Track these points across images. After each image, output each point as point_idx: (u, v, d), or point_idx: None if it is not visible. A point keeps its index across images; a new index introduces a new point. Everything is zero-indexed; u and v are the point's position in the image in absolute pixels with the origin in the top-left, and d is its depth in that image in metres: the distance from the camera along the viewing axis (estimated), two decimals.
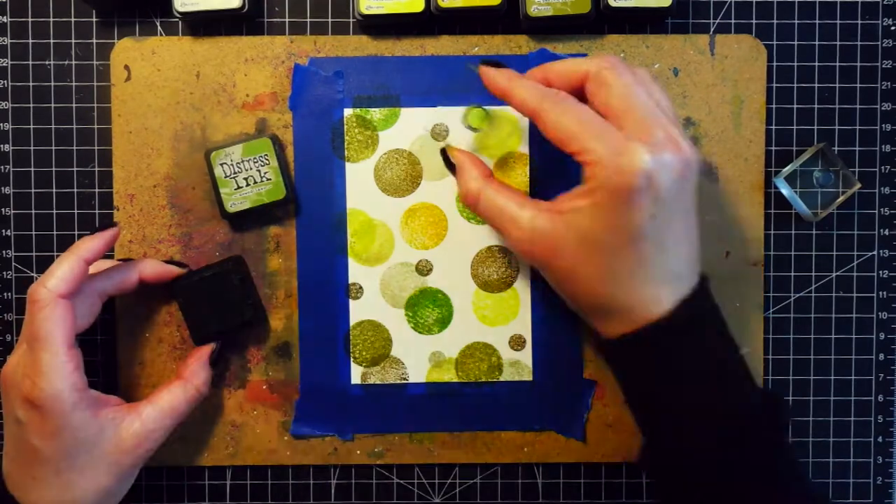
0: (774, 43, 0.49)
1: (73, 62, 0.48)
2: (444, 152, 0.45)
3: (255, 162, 0.46)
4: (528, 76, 0.41)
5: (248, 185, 0.46)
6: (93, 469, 0.41)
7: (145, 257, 0.47)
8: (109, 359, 0.49)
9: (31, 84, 0.48)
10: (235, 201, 0.46)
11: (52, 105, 0.48)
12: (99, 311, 0.44)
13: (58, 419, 0.40)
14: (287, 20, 0.48)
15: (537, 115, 0.38)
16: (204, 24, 0.48)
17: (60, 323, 0.40)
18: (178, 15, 0.45)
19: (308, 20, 0.48)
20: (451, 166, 0.45)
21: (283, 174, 0.46)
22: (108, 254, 0.48)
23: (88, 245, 0.42)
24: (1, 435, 0.49)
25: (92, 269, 0.44)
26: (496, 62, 0.42)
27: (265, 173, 0.46)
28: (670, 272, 0.38)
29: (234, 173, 0.46)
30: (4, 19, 0.48)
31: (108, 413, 0.42)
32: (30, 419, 0.40)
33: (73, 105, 0.48)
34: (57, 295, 0.40)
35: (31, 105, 0.48)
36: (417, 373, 0.49)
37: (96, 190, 0.48)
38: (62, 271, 0.40)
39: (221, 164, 0.46)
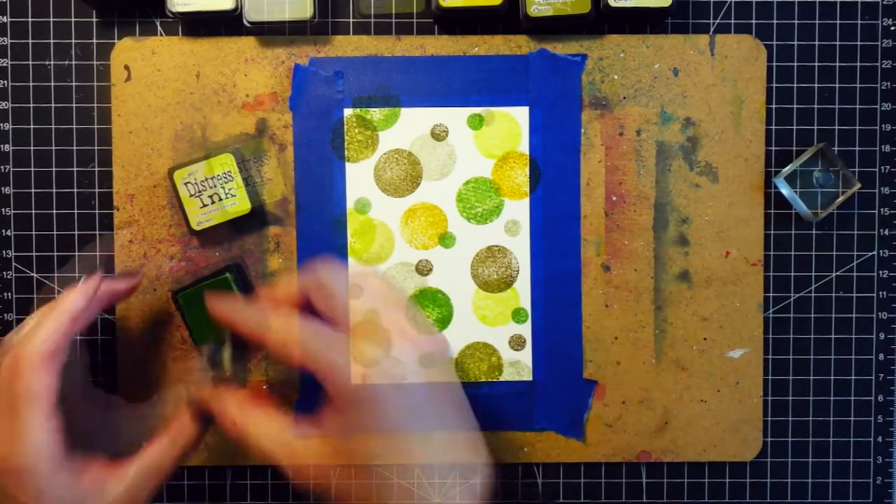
0: (774, 43, 0.49)
1: (73, 62, 0.48)
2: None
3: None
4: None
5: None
6: None
7: (63, 295, 0.42)
8: (109, 359, 0.49)
9: (31, 84, 0.48)
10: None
11: (52, 105, 0.48)
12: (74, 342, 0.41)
13: (36, 486, 0.38)
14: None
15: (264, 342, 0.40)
16: (204, 24, 0.48)
17: (45, 388, 0.38)
18: (171, 15, 0.45)
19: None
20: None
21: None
22: (110, 252, 0.48)
23: (72, 299, 0.40)
24: None
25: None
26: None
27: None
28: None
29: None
30: (4, 19, 0.48)
31: (91, 478, 0.40)
32: (7, 481, 0.38)
33: (73, 105, 0.48)
34: (43, 355, 0.38)
35: (31, 105, 0.48)
36: (417, 373, 0.49)
37: (96, 190, 0.48)
38: (46, 331, 0.38)
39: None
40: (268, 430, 0.41)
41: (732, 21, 0.49)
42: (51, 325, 0.39)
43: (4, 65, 0.48)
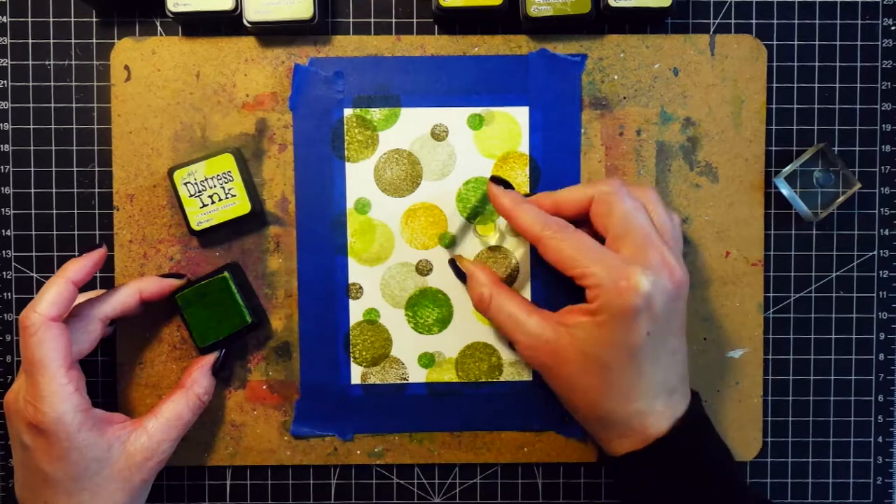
0: (774, 43, 0.49)
1: (73, 62, 0.48)
2: (452, 262, 0.47)
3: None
4: (536, 201, 0.43)
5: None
6: (104, 488, 0.41)
7: (143, 276, 0.47)
8: (109, 359, 0.49)
9: (31, 84, 0.48)
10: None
11: (52, 105, 0.48)
12: (101, 336, 0.43)
13: (64, 442, 0.40)
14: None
15: (539, 242, 0.41)
16: (204, 24, 0.48)
17: (54, 346, 0.40)
18: (170, 15, 0.45)
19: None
20: (461, 275, 0.46)
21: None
22: (109, 252, 0.48)
23: (75, 266, 0.42)
24: (8, 461, 0.49)
25: (89, 295, 0.45)
26: (504, 181, 0.44)
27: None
28: (664, 385, 0.41)
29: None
30: (4, 19, 0.48)
31: (114, 430, 0.42)
32: (36, 444, 0.40)
33: (73, 105, 0.48)
34: (47, 318, 0.40)
35: (31, 105, 0.48)
36: (417, 373, 0.49)
37: (96, 190, 0.48)
38: (50, 294, 0.40)
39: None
40: (515, 308, 0.43)
41: (732, 21, 0.49)
42: (53, 290, 0.41)
43: (4, 65, 0.48)
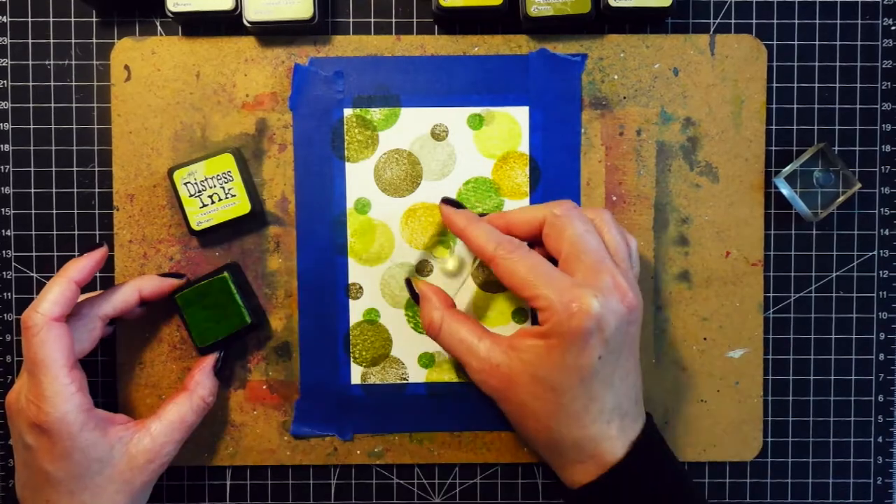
0: (774, 43, 0.49)
1: (73, 62, 0.48)
2: (408, 282, 0.46)
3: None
4: (489, 220, 0.44)
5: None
6: (106, 489, 0.41)
7: (143, 275, 0.46)
8: (109, 359, 0.49)
9: (31, 84, 0.48)
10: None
11: (52, 105, 0.48)
12: (101, 335, 0.43)
13: (66, 441, 0.40)
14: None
15: (492, 262, 0.41)
16: (204, 24, 0.48)
17: (57, 345, 0.40)
18: (170, 15, 0.45)
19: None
20: (415, 296, 0.46)
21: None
22: (109, 252, 0.48)
23: (77, 266, 0.42)
24: (8, 461, 0.49)
25: (89, 295, 0.45)
26: (455, 202, 0.45)
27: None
28: (617, 410, 0.40)
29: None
30: (4, 19, 0.48)
31: (117, 431, 0.42)
32: (38, 444, 0.40)
33: (73, 105, 0.48)
34: (50, 318, 0.40)
35: (31, 105, 0.48)
36: (417, 373, 0.49)
37: (96, 190, 0.48)
38: (52, 294, 0.40)
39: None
40: (467, 332, 0.43)
41: (732, 21, 0.49)
42: (55, 289, 0.41)
43: (4, 65, 0.48)
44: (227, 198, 0.46)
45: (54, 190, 0.48)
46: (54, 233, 0.49)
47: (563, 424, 0.40)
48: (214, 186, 0.46)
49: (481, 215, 0.44)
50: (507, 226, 0.43)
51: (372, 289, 0.48)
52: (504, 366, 0.41)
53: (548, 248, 0.42)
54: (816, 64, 0.49)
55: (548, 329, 0.39)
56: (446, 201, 0.45)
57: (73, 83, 0.48)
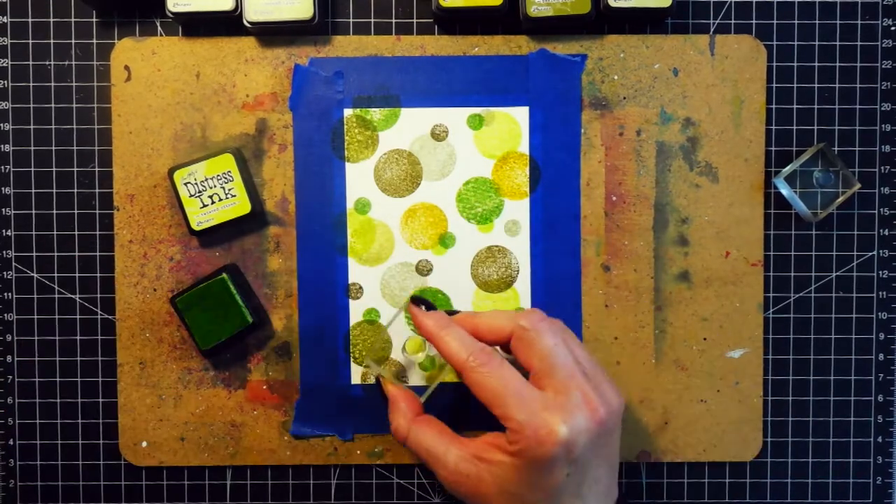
0: (774, 43, 0.49)
1: (73, 62, 0.48)
2: (377, 381, 0.46)
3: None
4: (458, 321, 0.43)
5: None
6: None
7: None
8: (109, 359, 0.49)
9: (31, 84, 0.48)
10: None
11: (52, 105, 0.48)
12: None
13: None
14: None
15: (463, 371, 0.41)
16: (204, 25, 0.48)
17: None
18: (170, 15, 0.45)
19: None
20: (384, 398, 0.46)
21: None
22: (110, 252, 0.48)
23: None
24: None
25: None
26: (427, 302, 0.46)
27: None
28: None
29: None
30: (4, 19, 0.48)
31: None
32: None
33: (73, 105, 0.48)
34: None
35: (31, 105, 0.48)
36: (417, 373, 0.49)
37: (96, 190, 0.48)
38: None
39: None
40: (433, 441, 0.43)
41: (732, 21, 0.49)
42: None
43: (4, 65, 0.48)
44: (227, 198, 0.46)
45: (55, 190, 0.48)
46: (55, 233, 0.49)
47: None
48: (214, 186, 0.46)
49: (451, 313, 0.44)
50: (474, 329, 0.43)
51: (372, 289, 0.48)
52: (473, 476, 0.41)
53: (518, 359, 0.42)
54: (816, 64, 0.49)
55: (516, 450, 0.39)
56: (416, 301, 0.45)
57: (74, 83, 0.48)
